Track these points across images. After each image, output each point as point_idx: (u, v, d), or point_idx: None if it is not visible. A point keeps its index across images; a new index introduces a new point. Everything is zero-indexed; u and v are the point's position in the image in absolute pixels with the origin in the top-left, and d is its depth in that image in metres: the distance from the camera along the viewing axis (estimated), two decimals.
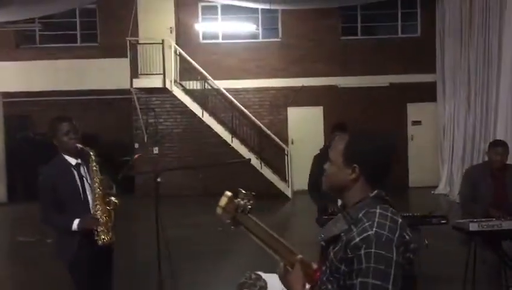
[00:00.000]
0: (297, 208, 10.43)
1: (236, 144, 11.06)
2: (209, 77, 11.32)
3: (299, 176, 11.28)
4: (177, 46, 11.27)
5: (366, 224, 1.56)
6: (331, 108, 11.63)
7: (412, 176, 11.88)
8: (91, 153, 3.31)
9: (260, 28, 11.98)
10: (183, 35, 11.71)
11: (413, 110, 11.86)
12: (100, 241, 3.23)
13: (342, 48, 11.78)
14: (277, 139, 11.35)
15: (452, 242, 4.42)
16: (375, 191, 1.67)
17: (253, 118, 11.44)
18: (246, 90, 11.78)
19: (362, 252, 1.52)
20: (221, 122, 11.37)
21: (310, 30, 11.73)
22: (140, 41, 11.04)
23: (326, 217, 3.93)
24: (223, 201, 1.66)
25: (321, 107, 11.77)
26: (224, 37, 11.90)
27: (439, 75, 11.30)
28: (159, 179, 12.29)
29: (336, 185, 1.72)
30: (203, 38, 11.94)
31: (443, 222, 3.85)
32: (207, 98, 11.46)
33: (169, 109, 11.70)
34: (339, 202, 1.79)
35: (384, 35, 12.17)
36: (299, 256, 1.68)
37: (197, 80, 11.40)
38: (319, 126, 11.57)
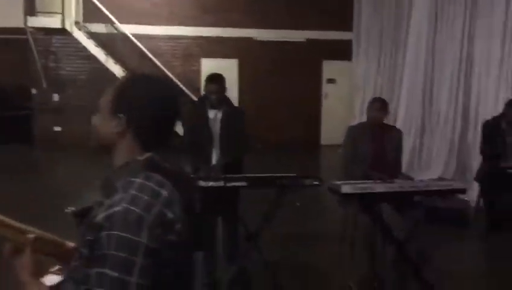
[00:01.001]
0: None
1: None
2: (116, 21, 10.47)
3: None
4: None
5: (118, 197, 1.21)
6: (246, 61, 11.26)
7: (324, 134, 11.92)
8: None
9: None
10: None
11: (329, 68, 11.75)
12: None
13: None
14: (188, 92, 10.84)
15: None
16: (147, 154, 1.31)
17: (163, 68, 10.82)
18: (156, 38, 11.06)
19: (104, 233, 1.16)
20: (128, 70, 10.65)
21: None
22: None
23: None
24: None
25: (236, 60, 11.35)
26: None
27: (355, 33, 11.19)
28: (57, 128, 11.38)
29: (101, 140, 1.36)
30: None
31: (316, 183, 3.65)
32: (113, 43, 10.64)
33: (71, 53, 10.76)
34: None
35: None
36: (32, 235, 1.29)
37: (102, 22, 10.51)
38: (233, 79, 11.17)
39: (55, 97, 10.70)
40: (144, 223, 1.18)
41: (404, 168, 8.12)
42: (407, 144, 8.26)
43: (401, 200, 3.97)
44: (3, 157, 9.40)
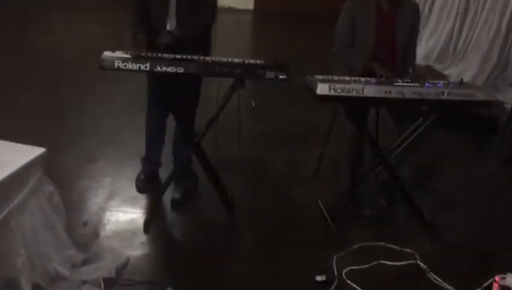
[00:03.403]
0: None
1: None
2: None
3: None
4: None
5: None
6: None
7: None
8: None
9: None
10: None
11: None
12: None
13: None
14: None
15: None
16: None
17: None
18: None
19: None
20: None
21: None
22: None
23: None
24: None
25: None
26: None
27: None
28: None
29: None
30: None
31: (282, 77, 2.65)
32: None
33: None
34: None
35: None
36: None
37: None
38: None
39: None
40: None
41: (435, 56, 6.88)
42: (445, 27, 6.93)
43: (401, 109, 2.98)
44: None
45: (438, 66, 6.70)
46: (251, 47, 7.77)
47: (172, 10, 2.88)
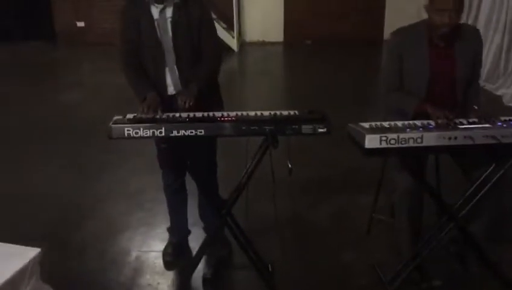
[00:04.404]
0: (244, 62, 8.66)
1: None
2: None
3: (253, 26, 9.38)
4: None
5: None
6: None
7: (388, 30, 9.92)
8: None
9: None
10: None
11: None
12: None
13: None
14: None
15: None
16: None
17: None
18: None
19: None
20: None
21: None
22: None
23: None
24: None
25: None
26: None
27: None
28: (80, 24, 9.99)
29: None
30: None
31: (322, 130, 2.22)
32: None
33: None
34: None
35: None
36: None
37: None
38: None
39: None
40: None
41: (484, 75, 6.25)
42: (493, 42, 6.35)
43: (468, 156, 2.48)
44: (23, 54, 8.52)
45: (488, 87, 6.12)
46: (282, 83, 7.38)
47: (170, 60, 2.49)
